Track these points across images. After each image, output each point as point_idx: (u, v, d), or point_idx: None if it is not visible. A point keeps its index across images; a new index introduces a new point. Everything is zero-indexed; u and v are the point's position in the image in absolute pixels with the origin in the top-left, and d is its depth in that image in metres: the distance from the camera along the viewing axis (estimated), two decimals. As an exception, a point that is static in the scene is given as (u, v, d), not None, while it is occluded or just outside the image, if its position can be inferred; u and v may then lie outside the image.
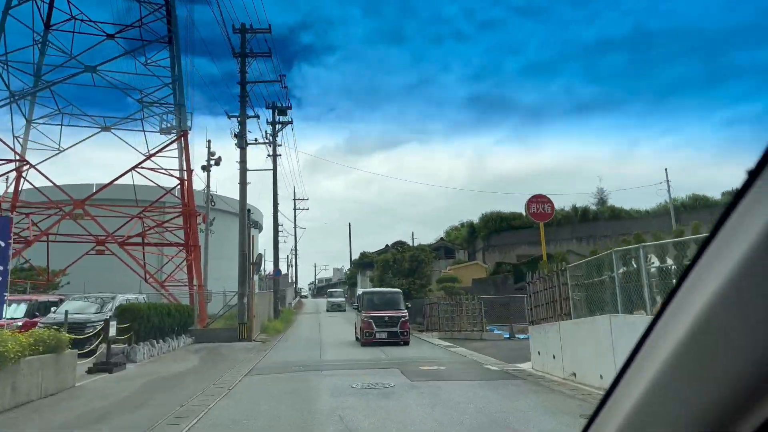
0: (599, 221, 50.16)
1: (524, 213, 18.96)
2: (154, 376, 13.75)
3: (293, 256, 75.87)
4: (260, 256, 24.92)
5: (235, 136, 24.93)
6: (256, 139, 28.05)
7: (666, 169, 56.17)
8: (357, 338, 22.33)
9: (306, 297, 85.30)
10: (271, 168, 38.65)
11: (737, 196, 0.72)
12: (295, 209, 69.96)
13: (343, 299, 53.37)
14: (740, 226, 0.71)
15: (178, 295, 31.04)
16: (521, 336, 22.76)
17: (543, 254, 18.25)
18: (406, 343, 20.26)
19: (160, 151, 33.17)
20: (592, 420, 1.04)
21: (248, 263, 24.85)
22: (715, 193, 50.38)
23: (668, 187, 43.30)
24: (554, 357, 12.48)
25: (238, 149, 25.05)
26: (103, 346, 15.13)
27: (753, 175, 0.70)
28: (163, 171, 33.59)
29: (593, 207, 52.15)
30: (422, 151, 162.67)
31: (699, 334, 0.75)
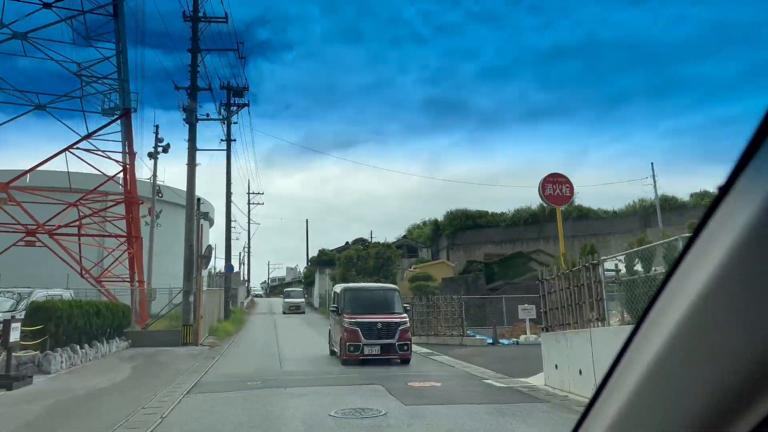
0: (567, 221, 48.40)
1: (538, 196, 16.40)
2: (65, 396, 10.61)
3: (246, 254, 72.33)
4: (210, 248, 21.79)
5: (185, 110, 21.72)
6: (208, 115, 24.77)
7: (652, 164, 54.74)
8: (333, 352, 16.85)
9: (260, 296, 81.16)
10: (225, 149, 35.25)
11: (721, 193, 0.72)
12: (249, 203, 66.43)
13: (303, 300, 47.34)
14: (725, 222, 0.70)
15: (118, 292, 27.67)
16: (505, 341, 20.33)
17: (561, 246, 15.84)
18: (406, 362, 14.89)
19: (99, 130, 29.64)
20: (579, 424, 1.01)
21: (196, 256, 21.69)
22: (683, 195, 49.45)
23: (654, 182, 41.81)
24: (581, 372, 9.97)
25: (187, 126, 21.83)
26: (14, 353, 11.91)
27: (736, 171, 0.70)
28: (100, 153, 30.12)
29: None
30: (379, 152, 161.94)
31: (685, 333, 0.74)
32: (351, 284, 19.32)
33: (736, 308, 0.67)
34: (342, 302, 16.41)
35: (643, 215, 47.86)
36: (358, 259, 33.62)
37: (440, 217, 54.06)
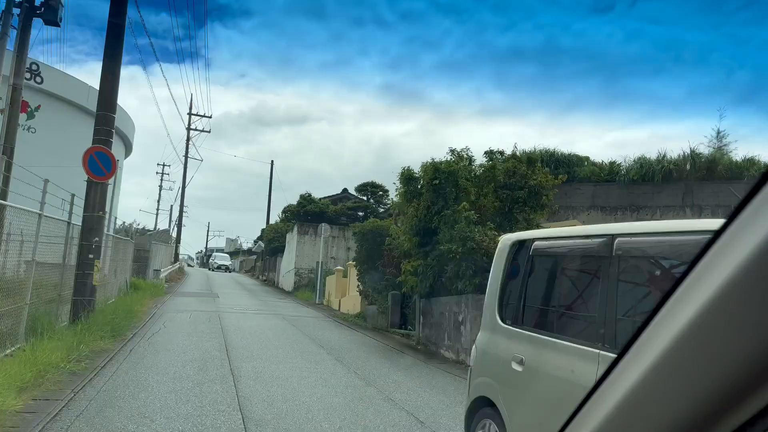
0: (740, 180, 28.35)
1: None
2: None
3: (178, 210, 49.44)
4: None
5: None
6: None
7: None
8: None
9: (225, 269, 55.10)
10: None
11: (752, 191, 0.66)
12: (189, 126, 44.34)
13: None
14: (750, 223, 0.65)
15: None
16: None
17: None
18: None
19: None
20: (573, 416, 0.95)
21: None
22: None
23: None
24: None
25: None
26: None
27: None
28: None
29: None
30: (331, 132, 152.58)
31: (692, 334, 0.71)
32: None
33: (743, 318, 0.63)
34: None
35: None
36: (472, 179, 12.43)
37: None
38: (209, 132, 46.31)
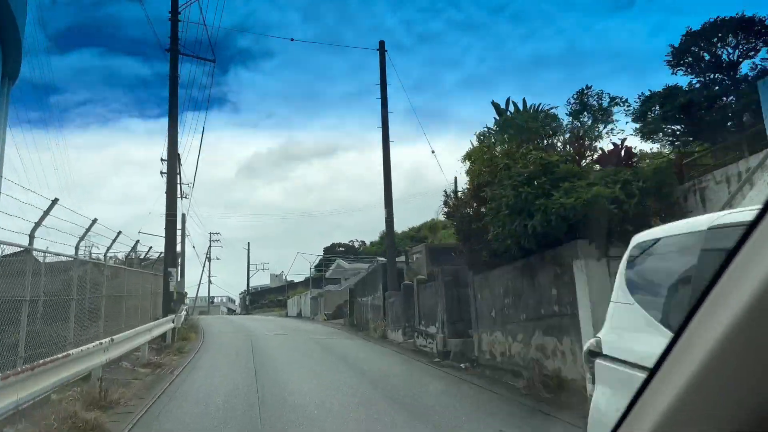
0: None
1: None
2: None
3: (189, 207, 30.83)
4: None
5: None
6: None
7: None
8: None
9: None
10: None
11: None
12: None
13: None
14: None
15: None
16: None
17: None
18: None
19: None
20: (626, 413, 0.90)
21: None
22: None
23: None
24: None
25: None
26: None
27: None
28: None
29: None
30: (361, 160, 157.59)
31: (740, 330, 0.66)
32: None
33: None
34: None
35: None
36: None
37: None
38: (213, 62, 26.67)
